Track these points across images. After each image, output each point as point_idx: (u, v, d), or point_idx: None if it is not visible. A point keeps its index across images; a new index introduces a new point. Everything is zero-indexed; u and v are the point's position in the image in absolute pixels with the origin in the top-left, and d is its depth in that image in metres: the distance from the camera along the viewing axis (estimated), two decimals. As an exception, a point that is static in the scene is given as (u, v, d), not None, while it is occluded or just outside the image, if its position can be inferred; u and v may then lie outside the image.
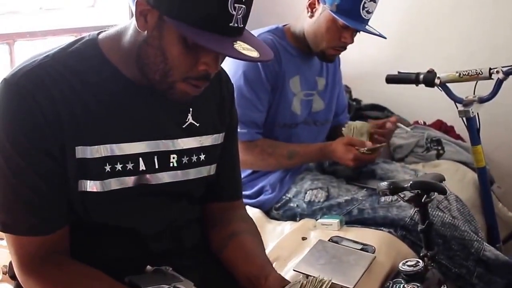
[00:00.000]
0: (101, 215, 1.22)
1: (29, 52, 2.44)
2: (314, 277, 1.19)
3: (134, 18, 1.15)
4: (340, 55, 2.25)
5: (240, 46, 1.10)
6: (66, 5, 2.73)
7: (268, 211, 2.17)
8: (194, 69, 1.15)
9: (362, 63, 2.79)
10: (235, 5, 1.08)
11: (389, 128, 2.16)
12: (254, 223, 1.48)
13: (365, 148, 2.04)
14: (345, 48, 2.15)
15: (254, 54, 1.11)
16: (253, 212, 2.10)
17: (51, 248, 1.17)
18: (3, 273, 1.56)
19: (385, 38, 2.12)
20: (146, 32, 1.13)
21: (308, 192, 2.09)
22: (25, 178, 1.13)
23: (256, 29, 2.19)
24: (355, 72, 2.54)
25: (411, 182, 1.64)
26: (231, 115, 1.43)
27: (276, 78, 2.13)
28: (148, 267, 1.23)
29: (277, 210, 2.15)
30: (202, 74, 1.16)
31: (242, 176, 2.19)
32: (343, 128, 2.17)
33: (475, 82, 2.22)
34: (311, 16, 2.13)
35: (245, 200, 2.16)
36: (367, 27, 2.08)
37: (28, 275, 1.16)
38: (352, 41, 2.11)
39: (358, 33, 2.11)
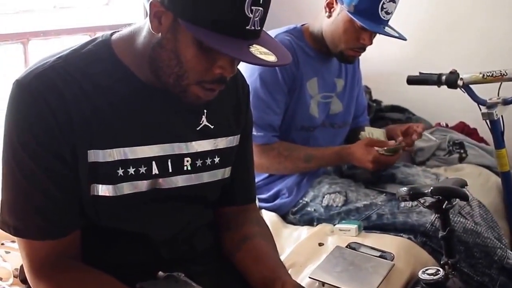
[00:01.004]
0: (113, 219, 1.21)
1: (43, 51, 2.44)
2: None
3: (148, 18, 1.12)
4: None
5: (257, 50, 1.07)
6: (80, 3, 2.73)
7: (285, 215, 2.14)
8: (209, 73, 1.13)
9: (383, 63, 2.75)
10: (252, 7, 1.05)
11: (415, 139, 2.12)
12: (268, 227, 1.46)
13: (385, 148, 2.00)
14: (364, 49, 2.11)
15: (271, 58, 1.08)
16: (269, 216, 2.08)
17: (62, 253, 1.16)
18: (14, 276, 1.56)
19: (405, 39, 2.07)
20: (160, 34, 1.11)
21: (325, 196, 2.06)
22: (36, 181, 1.12)
23: (273, 28, 2.16)
24: (375, 72, 2.49)
25: (431, 187, 1.60)
26: (246, 118, 1.40)
27: (293, 80, 2.09)
28: (160, 273, 1.21)
29: (294, 215, 2.12)
30: (217, 77, 1.14)
31: (258, 179, 2.20)
32: (360, 134, 2.14)
33: (499, 83, 2.16)
34: (329, 16, 2.08)
35: (261, 204, 2.16)
36: (386, 28, 2.03)
37: (38, 280, 1.16)
38: (370, 43, 2.06)
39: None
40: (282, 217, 2.12)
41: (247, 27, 1.06)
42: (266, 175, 2.21)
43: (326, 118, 2.22)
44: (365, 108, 2.48)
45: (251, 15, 1.05)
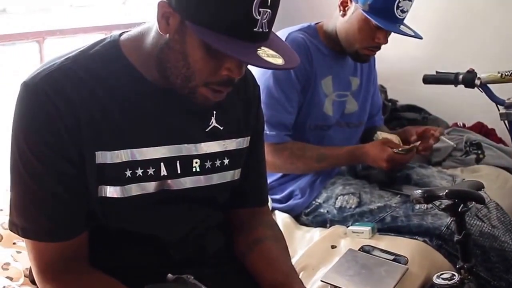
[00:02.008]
0: (121, 221, 1.20)
1: (59, 50, 2.44)
2: None
3: (156, 19, 1.11)
4: (376, 53, 2.17)
5: (265, 52, 1.06)
6: (97, 2, 2.73)
7: (298, 216, 2.12)
8: (217, 75, 1.12)
9: (398, 62, 2.72)
10: (260, 9, 1.03)
11: (431, 144, 2.09)
12: (280, 230, 1.45)
13: (400, 149, 1.98)
14: (379, 48, 2.08)
15: (278, 61, 1.07)
16: (282, 217, 2.07)
17: (69, 255, 1.16)
18: (25, 276, 1.56)
19: (421, 38, 2.04)
20: (167, 35, 1.10)
21: (339, 197, 2.04)
22: (43, 183, 1.12)
23: (287, 27, 2.14)
24: (391, 71, 2.47)
25: (447, 190, 1.56)
26: (257, 119, 1.39)
27: (307, 78, 2.08)
28: (169, 275, 1.19)
29: (306, 216, 2.10)
30: (224, 79, 1.13)
31: (271, 180, 2.18)
32: (374, 136, 2.11)
33: (518, 83, 2.12)
34: (343, 15, 2.06)
35: (274, 205, 2.14)
36: (402, 27, 2.00)
37: (46, 282, 1.15)
38: (386, 42, 2.04)
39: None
40: (295, 218, 2.11)
41: (254, 29, 1.05)
42: (279, 175, 2.19)
43: (341, 117, 2.21)
44: (380, 108, 2.45)
45: (258, 17, 1.04)
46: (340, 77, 2.18)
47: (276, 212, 2.11)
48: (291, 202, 2.14)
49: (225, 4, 1.02)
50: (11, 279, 1.56)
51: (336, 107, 2.17)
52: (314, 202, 2.09)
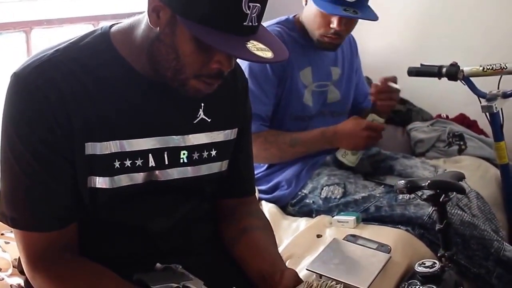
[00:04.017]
0: (111, 211, 1.22)
1: (46, 40, 2.44)
2: (325, 281, 1.16)
3: (146, 12, 1.13)
4: (362, 45, 2.19)
5: (254, 46, 1.08)
6: (84, -8, 2.71)
7: (284, 207, 2.14)
8: (207, 67, 1.13)
9: (384, 54, 2.74)
10: (250, 4, 1.06)
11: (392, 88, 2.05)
12: (267, 220, 1.47)
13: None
14: (339, 36, 2.06)
15: (267, 54, 1.09)
16: (269, 208, 2.09)
17: (59, 245, 1.17)
18: (13, 267, 1.57)
19: (374, 20, 2.01)
20: (158, 28, 1.11)
21: (324, 188, 2.06)
22: (33, 174, 1.13)
23: (271, 19, 2.16)
24: (376, 63, 2.49)
25: (429, 181, 1.60)
26: (245, 110, 1.41)
27: (283, 70, 2.09)
28: (158, 264, 1.22)
29: (292, 206, 2.12)
30: (215, 72, 1.15)
31: (258, 171, 2.21)
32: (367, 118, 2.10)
33: (499, 76, 2.16)
34: (305, 4, 2.08)
35: (260, 195, 2.17)
36: (353, 11, 1.95)
37: (35, 272, 1.17)
38: (340, 28, 2.01)
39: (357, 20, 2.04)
40: (282, 209, 2.13)
41: (244, 23, 1.06)
42: (266, 166, 2.22)
43: (324, 107, 2.22)
44: (367, 95, 2.44)
45: (248, 11, 1.06)
46: (320, 67, 2.19)
47: (263, 202, 2.13)
48: (277, 193, 2.16)
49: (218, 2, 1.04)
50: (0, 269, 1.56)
51: (316, 97, 2.19)
52: (300, 193, 2.11)
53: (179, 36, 1.10)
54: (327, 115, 2.25)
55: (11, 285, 1.45)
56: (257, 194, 2.14)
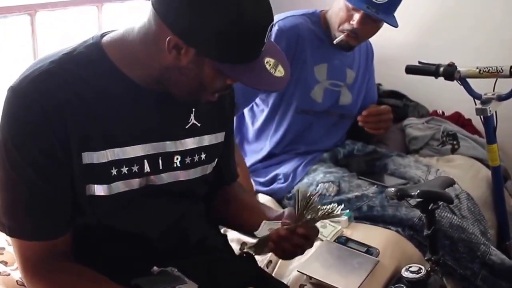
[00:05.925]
0: (109, 217, 1.24)
1: (50, 22, 2.45)
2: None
3: (140, 21, 1.17)
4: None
5: (269, 64, 1.17)
6: (88, -25, 2.70)
7: (280, 200, 2.18)
8: (224, 85, 1.22)
9: (385, 47, 2.75)
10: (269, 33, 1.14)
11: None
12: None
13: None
14: (356, 36, 2.10)
15: (280, 69, 1.19)
16: (265, 200, 2.12)
17: (56, 252, 1.19)
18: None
19: (395, 27, 2.08)
20: (177, 61, 1.15)
21: (319, 185, 2.10)
22: (31, 184, 1.15)
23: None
24: (376, 56, 2.49)
25: (418, 190, 1.65)
26: (230, 113, 1.46)
27: (291, 62, 2.08)
28: (155, 267, 1.26)
29: (288, 200, 2.16)
30: (228, 85, 1.23)
31: (256, 161, 2.24)
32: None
33: (495, 79, 2.19)
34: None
35: (258, 187, 2.20)
36: (381, 15, 2.01)
37: (33, 280, 1.19)
38: (359, 26, 2.05)
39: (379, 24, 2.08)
40: (278, 202, 2.17)
41: (263, 49, 1.16)
42: (263, 156, 2.26)
43: (334, 108, 2.25)
44: (375, 102, 2.46)
45: (266, 41, 1.15)
46: (336, 66, 2.22)
47: (260, 195, 2.17)
48: (274, 186, 2.20)
49: (245, 42, 1.12)
50: (5, 263, 1.55)
51: (328, 95, 2.21)
52: (295, 187, 2.14)
53: (206, 72, 1.16)
54: (335, 116, 2.28)
55: (17, 281, 1.47)
56: (254, 186, 2.20)
